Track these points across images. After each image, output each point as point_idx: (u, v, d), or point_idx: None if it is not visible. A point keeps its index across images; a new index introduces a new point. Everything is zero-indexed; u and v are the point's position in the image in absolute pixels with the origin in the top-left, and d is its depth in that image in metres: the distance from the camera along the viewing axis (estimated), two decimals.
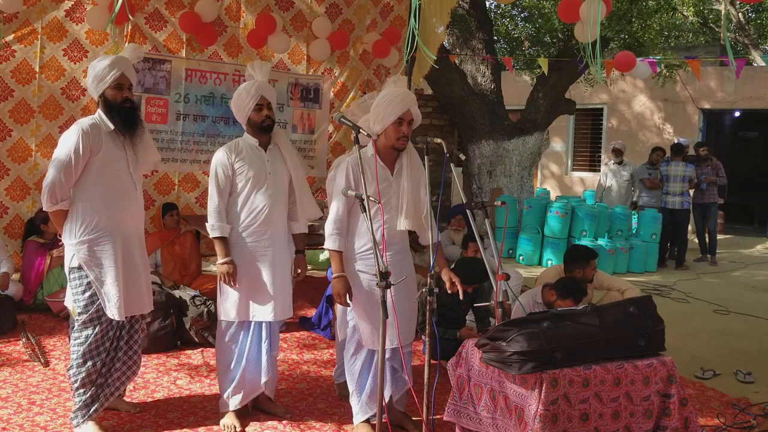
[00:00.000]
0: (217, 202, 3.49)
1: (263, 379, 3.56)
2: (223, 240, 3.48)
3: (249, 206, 3.51)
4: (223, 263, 3.46)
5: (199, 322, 4.80)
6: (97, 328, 3.29)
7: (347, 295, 3.33)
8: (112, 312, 3.27)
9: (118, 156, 3.34)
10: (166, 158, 6.09)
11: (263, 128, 3.55)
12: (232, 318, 3.52)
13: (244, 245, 3.51)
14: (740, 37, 15.59)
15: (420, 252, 3.66)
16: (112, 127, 3.31)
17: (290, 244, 3.68)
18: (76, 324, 3.31)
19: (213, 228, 3.48)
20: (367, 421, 3.44)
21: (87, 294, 3.28)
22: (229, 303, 3.52)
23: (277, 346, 3.72)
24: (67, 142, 3.22)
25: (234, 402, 3.54)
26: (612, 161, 9.96)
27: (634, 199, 9.74)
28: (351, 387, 3.47)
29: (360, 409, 3.44)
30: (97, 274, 3.27)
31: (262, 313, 3.53)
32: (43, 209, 3.36)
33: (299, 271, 3.72)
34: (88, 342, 3.28)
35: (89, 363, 3.28)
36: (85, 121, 3.30)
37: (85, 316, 3.28)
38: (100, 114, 3.34)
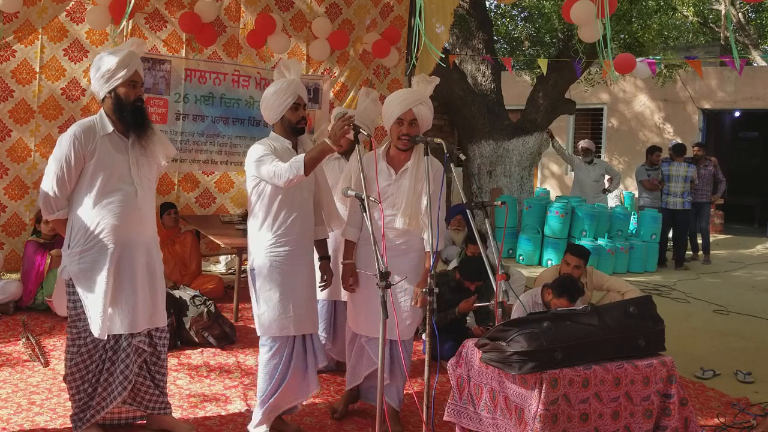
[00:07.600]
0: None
1: (312, 391, 3.42)
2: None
3: (286, 211, 3.27)
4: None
5: (199, 322, 4.79)
6: (83, 348, 3.14)
7: (353, 281, 3.43)
8: (95, 329, 3.09)
9: (117, 159, 3.10)
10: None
11: (297, 129, 3.33)
12: (284, 334, 3.27)
13: (279, 253, 3.26)
14: (740, 37, 15.60)
15: None
16: (110, 129, 3.09)
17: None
18: (69, 333, 3.18)
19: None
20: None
21: (77, 310, 3.14)
22: (283, 317, 3.24)
23: (324, 357, 3.52)
24: (61, 149, 3.05)
25: (271, 417, 3.35)
26: (581, 159, 9.65)
27: (607, 187, 9.72)
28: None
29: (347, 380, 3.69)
30: (84, 288, 3.10)
31: (308, 324, 3.34)
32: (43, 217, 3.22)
33: (326, 277, 3.51)
34: (75, 361, 3.15)
35: (78, 380, 3.17)
36: (80, 125, 3.09)
37: (74, 330, 3.16)
38: (101, 115, 3.12)
